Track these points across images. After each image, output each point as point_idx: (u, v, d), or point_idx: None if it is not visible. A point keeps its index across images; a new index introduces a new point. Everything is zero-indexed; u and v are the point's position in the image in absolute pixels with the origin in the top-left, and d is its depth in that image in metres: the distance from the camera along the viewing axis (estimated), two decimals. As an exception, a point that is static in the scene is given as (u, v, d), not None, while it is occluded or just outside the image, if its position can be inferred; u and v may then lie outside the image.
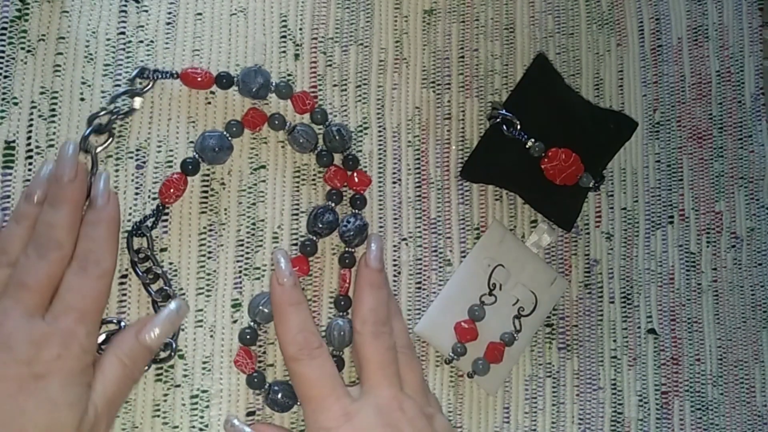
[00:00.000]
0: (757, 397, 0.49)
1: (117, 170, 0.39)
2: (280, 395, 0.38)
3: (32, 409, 0.31)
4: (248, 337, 0.39)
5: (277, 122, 0.40)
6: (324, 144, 0.41)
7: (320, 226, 0.40)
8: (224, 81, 0.40)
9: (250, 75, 0.39)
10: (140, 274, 0.38)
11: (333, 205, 0.41)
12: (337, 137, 0.41)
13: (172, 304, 0.36)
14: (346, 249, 0.41)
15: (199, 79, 0.39)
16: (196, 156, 0.39)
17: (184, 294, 0.39)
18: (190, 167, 0.39)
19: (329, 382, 0.36)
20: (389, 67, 0.44)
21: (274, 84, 0.40)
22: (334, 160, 0.41)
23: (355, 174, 0.41)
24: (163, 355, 0.38)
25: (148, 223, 0.38)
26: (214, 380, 0.39)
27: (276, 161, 0.41)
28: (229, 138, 0.39)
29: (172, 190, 0.38)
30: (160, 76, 0.39)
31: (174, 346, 0.38)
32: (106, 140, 0.38)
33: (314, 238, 0.40)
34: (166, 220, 0.39)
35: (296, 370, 0.36)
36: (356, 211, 0.41)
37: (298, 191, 0.41)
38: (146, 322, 0.36)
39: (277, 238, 0.41)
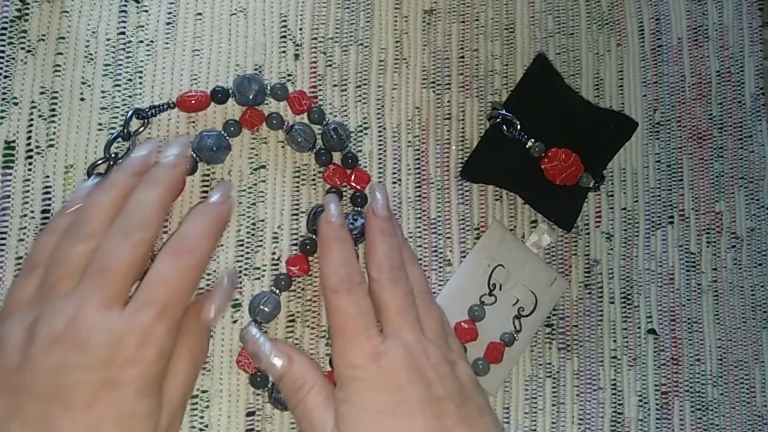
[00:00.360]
0: (757, 397, 0.49)
1: (117, 170, 0.39)
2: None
3: (109, 423, 0.29)
4: None
5: (275, 122, 0.40)
6: (322, 143, 0.41)
7: None
8: (219, 95, 0.39)
9: (244, 84, 0.39)
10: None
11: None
12: (334, 136, 0.41)
13: (225, 279, 0.35)
14: None
15: (193, 101, 0.39)
16: (194, 155, 0.39)
17: (184, 294, 0.39)
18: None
19: (364, 319, 0.35)
20: (389, 67, 0.44)
21: (269, 87, 0.40)
22: (333, 159, 0.41)
23: (353, 172, 0.41)
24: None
25: None
26: (214, 380, 0.39)
27: (276, 161, 0.41)
28: (227, 137, 0.39)
29: None
30: (155, 113, 0.39)
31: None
32: None
33: (314, 237, 0.41)
34: (166, 221, 0.39)
35: (333, 302, 0.35)
36: (359, 209, 0.41)
37: (298, 191, 0.41)
38: (203, 302, 0.34)
39: (277, 238, 0.41)
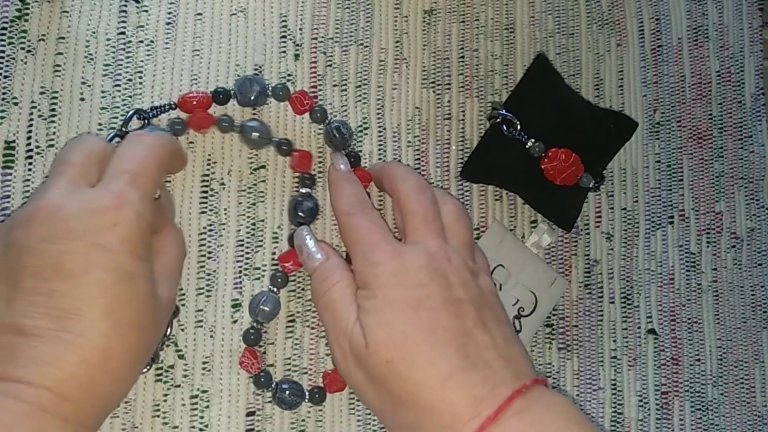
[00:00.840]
0: (757, 397, 0.49)
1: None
2: (287, 393, 0.38)
3: (112, 282, 0.29)
4: (252, 337, 0.39)
5: (225, 124, 0.39)
6: (325, 142, 0.41)
7: (301, 215, 0.40)
8: (221, 96, 0.39)
9: (245, 85, 0.39)
10: None
11: (309, 191, 0.41)
12: (337, 135, 0.41)
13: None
14: None
15: (195, 102, 0.39)
16: None
17: (184, 294, 0.39)
18: None
19: (381, 230, 0.36)
20: (389, 67, 0.44)
21: (270, 88, 0.40)
22: (295, 146, 0.41)
23: (355, 171, 0.41)
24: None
25: None
26: (214, 380, 0.39)
27: (276, 161, 0.41)
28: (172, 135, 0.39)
29: None
30: (157, 114, 0.38)
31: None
32: None
33: None
34: (166, 220, 0.39)
35: (348, 222, 0.37)
36: None
37: (297, 191, 0.41)
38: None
39: (277, 238, 0.41)
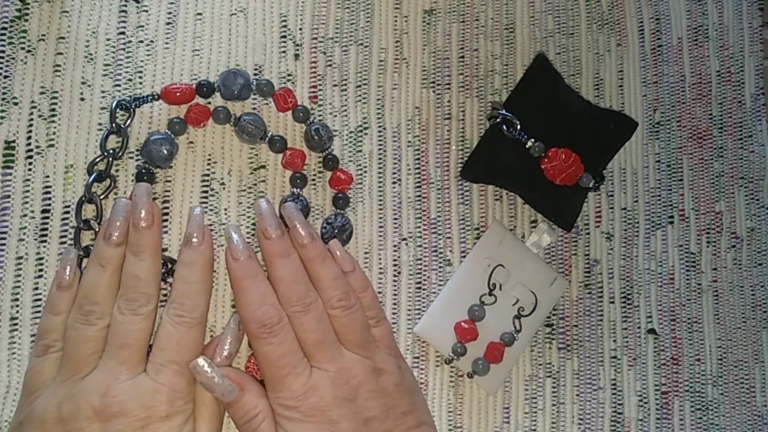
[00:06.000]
0: (757, 397, 0.49)
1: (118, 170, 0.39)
2: None
3: None
4: None
5: (221, 116, 0.40)
6: (304, 143, 0.41)
7: None
8: (205, 89, 0.39)
9: (229, 78, 0.39)
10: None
11: (299, 191, 0.41)
12: (315, 137, 0.40)
13: (231, 322, 0.37)
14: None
15: (178, 93, 0.39)
16: (149, 167, 0.38)
17: (184, 294, 0.39)
18: (145, 177, 0.38)
19: (288, 358, 0.35)
20: (389, 67, 0.44)
21: (255, 83, 0.40)
22: (289, 144, 0.41)
23: (335, 173, 0.41)
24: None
25: None
26: (214, 380, 0.39)
27: (276, 161, 0.41)
28: (173, 136, 0.39)
29: None
30: (139, 104, 0.39)
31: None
32: (109, 186, 0.38)
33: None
34: (166, 221, 0.39)
35: (258, 349, 0.36)
36: (341, 212, 0.41)
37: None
38: (214, 348, 0.37)
39: (277, 238, 0.41)
